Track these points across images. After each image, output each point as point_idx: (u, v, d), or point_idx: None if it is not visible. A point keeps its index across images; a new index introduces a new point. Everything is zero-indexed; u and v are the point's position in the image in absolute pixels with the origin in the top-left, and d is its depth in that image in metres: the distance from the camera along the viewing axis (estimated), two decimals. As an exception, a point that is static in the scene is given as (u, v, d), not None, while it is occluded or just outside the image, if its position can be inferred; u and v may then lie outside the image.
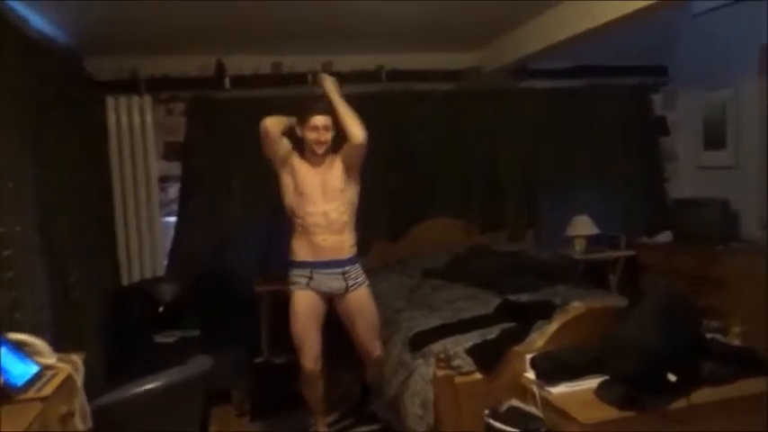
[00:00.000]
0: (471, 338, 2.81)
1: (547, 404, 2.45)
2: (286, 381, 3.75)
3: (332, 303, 3.18)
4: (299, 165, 3.13)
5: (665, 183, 5.35)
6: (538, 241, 4.99)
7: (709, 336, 2.66)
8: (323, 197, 3.09)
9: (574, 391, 2.43)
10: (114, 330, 3.74)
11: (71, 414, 1.95)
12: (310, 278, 3.09)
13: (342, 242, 3.13)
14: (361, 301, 3.17)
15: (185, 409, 2.53)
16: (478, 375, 2.64)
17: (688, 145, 5.22)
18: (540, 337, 2.68)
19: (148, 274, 4.46)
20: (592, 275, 4.86)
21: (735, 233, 4.55)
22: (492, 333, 2.83)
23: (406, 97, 4.84)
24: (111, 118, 4.37)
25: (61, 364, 2.02)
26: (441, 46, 4.79)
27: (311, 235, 3.08)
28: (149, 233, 4.47)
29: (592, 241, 4.90)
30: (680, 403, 2.29)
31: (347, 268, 3.13)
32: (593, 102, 5.15)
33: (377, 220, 4.78)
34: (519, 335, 2.75)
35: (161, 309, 4.03)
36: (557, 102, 5.08)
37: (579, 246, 4.84)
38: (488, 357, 2.65)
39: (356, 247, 3.23)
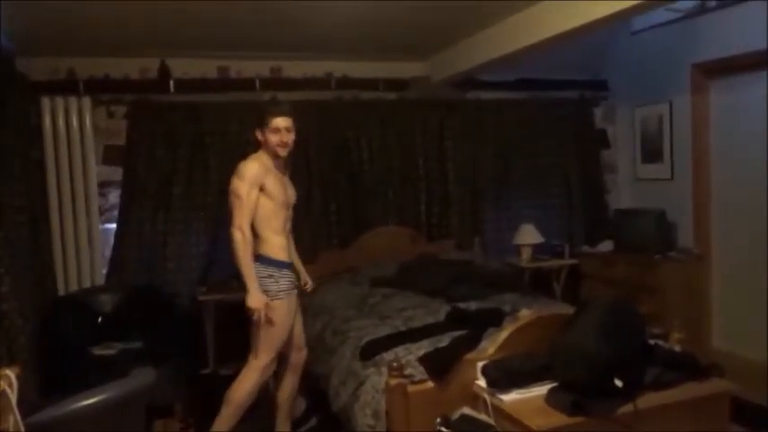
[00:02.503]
0: (422, 347, 2.79)
1: (498, 411, 2.46)
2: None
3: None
4: (267, 174, 3.05)
5: (605, 194, 5.52)
6: (485, 250, 5.05)
7: (651, 342, 2.73)
8: (286, 202, 3.13)
9: (524, 398, 2.46)
10: (50, 343, 3.53)
11: (4, 432, 1.83)
12: (293, 280, 3.09)
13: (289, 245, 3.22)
14: (297, 301, 3.20)
15: (126, 425, 2.42)
16: (430, 384, 2.62)
17: (627, 157, 5.41)
18: (491, 345, 2.70)
19: (87, 284, 4.25)
20: (536, 283, 4.95)
21: (671, 243, 4.73)
22: (443, 341, 2.83)
23: (355, 105, 4.83)
24: (47, 120, 4.13)
25: (-5, 381, 1.89)
26: (389, 55, 4.81)
27: (280, 236, 3.08)
28: (88, 241, 4.25)
29: (536, 250, 4.99)
30: (627, 408, 2.35)
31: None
32: (537, 114, 5.27)
33: (325, 228, 4.75)
34: (470, 343, 2.76)
35: (100, 320, 3.83)
36: (501, 113, 5.17)
37: (525, 254, 4.92)
38: (440, 365, 2.63)
39: None
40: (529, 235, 4.92)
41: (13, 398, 1.93)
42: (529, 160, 5.25)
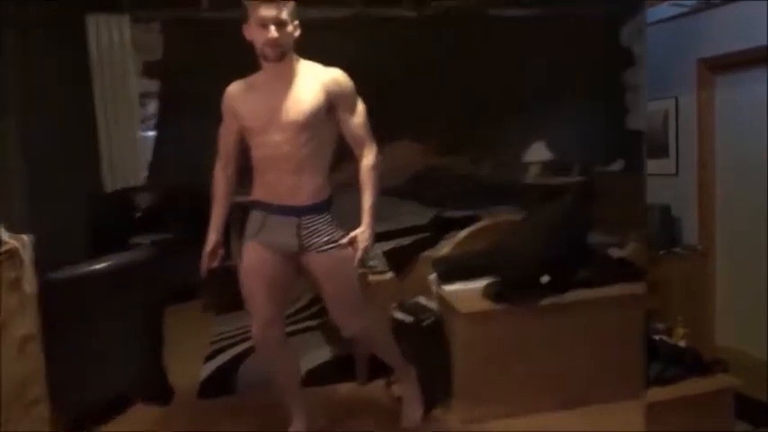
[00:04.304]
0: (390, 244, 3.12)
1: (440, 299, 2.82)
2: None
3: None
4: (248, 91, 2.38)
5: (625, 113, 5.46)
6: (498, 165, 5.11)
7: (656, 338, 2.82)
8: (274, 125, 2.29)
9: (465, 288, 2.79)
10: (94, 232, 4.13)
11: (18, 279, 2.33)
12: (262, 226, 2.36)
13: (298, 184, 2.31)
14: (328, 266, 2.33)
15: (135, 293, 2.88)
16: (390, 275, 2.97)
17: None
18: (447, 245, 3.03)
19: (131, 183, 4.73)
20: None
21: (675, 238, 4.70)
22: (406, 240, 3.16)
23: (375, 22, 4.87)
24: (92, 36, 4.57)
25: (11, 241, 2.33)
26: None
27: (264, 172, 2.35)
28: (130, 146, 4.75)
29: (550, 167, 5.02)
30: (553, 300, 2.65)
31: (304, 219, 2.31)
32: (559, 30, 5.19)
33: (337, 142, 4.90)
34: (430, 242, 3.09)
35: (138, 215, 4.44)
36: (523, 29, 5.14)
37: (533, 171, 5.00)
38: (401, 260, 2.99)
39: (324, 192, 2.38)
40: (538, 152, 4.97)
41: (26, 257, 2.35)
42: (547, 77, 5.19)
